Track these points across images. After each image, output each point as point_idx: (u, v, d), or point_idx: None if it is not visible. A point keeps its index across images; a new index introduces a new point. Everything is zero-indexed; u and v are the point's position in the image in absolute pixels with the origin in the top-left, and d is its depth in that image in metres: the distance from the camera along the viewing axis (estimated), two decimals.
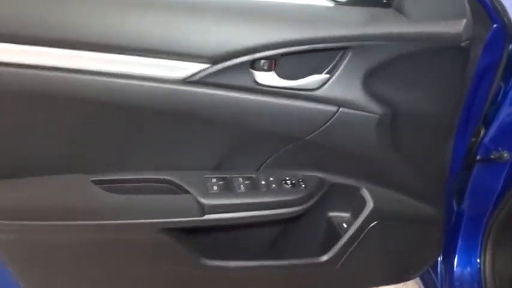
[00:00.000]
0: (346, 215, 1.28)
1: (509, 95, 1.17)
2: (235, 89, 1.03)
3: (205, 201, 1.06)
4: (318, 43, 1.01)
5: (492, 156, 1.26)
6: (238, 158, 1.15)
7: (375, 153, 1.14)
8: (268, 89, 1.04)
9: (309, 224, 1.24)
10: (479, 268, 1.39)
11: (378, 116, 1.08)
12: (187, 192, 1.07)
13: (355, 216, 1.21)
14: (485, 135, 1.25)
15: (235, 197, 1.09)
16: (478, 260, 1.40)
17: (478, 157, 1.29)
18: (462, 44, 1.05)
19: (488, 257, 1.40)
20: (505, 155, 1.24)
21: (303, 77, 1.02)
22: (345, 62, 1.03)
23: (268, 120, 1.08)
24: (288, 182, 1.15)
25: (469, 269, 1.42)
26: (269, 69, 1.00)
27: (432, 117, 1.13)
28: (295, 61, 1.00)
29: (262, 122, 1.08)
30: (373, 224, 1.20)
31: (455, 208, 1.41)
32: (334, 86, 1.06)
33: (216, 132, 1.09)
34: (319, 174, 1.16)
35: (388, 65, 1.04)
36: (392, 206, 1.23)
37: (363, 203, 1.18)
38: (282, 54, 0.98)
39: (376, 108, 1.06)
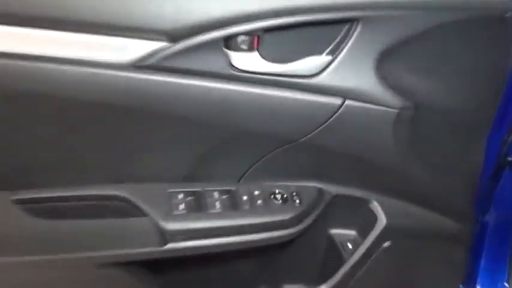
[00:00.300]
0: (352, 232, 1.04)
1: None
2: (204, 76, 0.76)
3: (167, 225, 0.81)
4: (316, 13, 0.74)
5: None
6: (212, 166, 0.89)
7: (389, 158, 0.89)
8: (249, 75, 0.79)
9: (305, 243, 0.99)
10: None
11: (395, 111, 0.82)
12: (143, 213, 0.80)
13: (363, 234, 1.00)
14: None
15: (208, 219, 0.85)
16: (507, 285, 1.14)
17: (509, 158, 1.03)
18: (507, 15, 0.78)
19: None
20: None
21: (296, 59, 0.79)
22: (353, 39, 0.78)
23: (250, 117, 0.82)
24: (278, 196, 0.90)
25: None
26: (250, 49, 0.77)
27: (465, 113, 0.87)
28: (286, 38, 0.79)
29: (242, 119, 0.82)
30: (385, 245, 0.99)
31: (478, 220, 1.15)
32: (338, 72, 0.80)
33: (182, 133, 0.83)
34: (319, 185, 0.94)
35: (411, 43, 0.79)
36: (409, 222, 0.99)
37: (373, 218, 0.97)
38: (267, 29, 0.75)
39: (393, 100, 0.82)
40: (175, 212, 0.83)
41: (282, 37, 0.78)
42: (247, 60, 0.77)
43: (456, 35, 0.80)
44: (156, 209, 0.82)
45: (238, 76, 0.78)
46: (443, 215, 1.00)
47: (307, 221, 0.91)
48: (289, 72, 0.79)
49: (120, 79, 0.74)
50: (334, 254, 1.01)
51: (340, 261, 0.99)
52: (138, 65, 0.74)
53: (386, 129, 0.84)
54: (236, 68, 0.77)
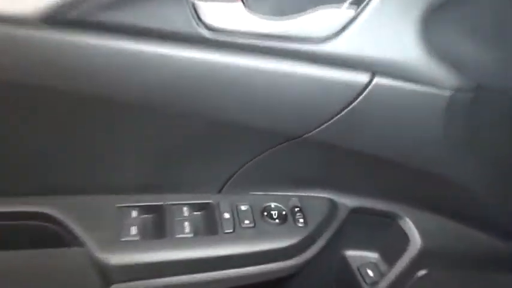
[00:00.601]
0: (373, 255, 0.79)
1: None
2: (158, 38, 0.50)
3: (111, 258, 0.56)
4: None
5: None
6: (181, 171, 0.63)
7: (433, 159, 0.65)
8: (227, 38, 0.53)
9: (311, 270, 0.73)
10: None
11: (448, 94, 0.57)
12: (77, 240, 0.55)
13: (389, 259, 0.76)
14: None
15: (173, 248, 0.59)
16: None
17: None
18: None
19: None
20: None
21: (302, 14, 0.55)
22: None
23: (231, 103, 0.57)
24: (274, 212, 0.65)
25: None
26: None
27: None
28: None
29: (220, 105, 0.56)
30: (419, 274, 0.74)
31: None
32: (364, 34, 0.55)
33: (136, 125, 0.57)
34: (330, 195, 0.70)
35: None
36: (453, 244, 0.75)
37: (404, 239, 0.73)
38: None
39: (445, 78, 0.57)
40: (125, 238, 0.57)
41: None
42: (225, 14, 0.51)
43: None
44: (96, 234, 0.57)
45: (211, 39, 0.51)
46: (498, 235, 0.74)
47: (315, 248, 0.65)
48: (290, 34, 0.54)
49: (27, 39, 0.48)
50: (350, 283, 0.78)
51: None
52: (53, 19, 0.47)
53: (433, 119, 0.59)
54: (207, 25, 0.50)
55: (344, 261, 0.79)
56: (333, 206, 0.69)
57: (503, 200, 0.72)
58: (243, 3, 0.51)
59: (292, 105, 0.58)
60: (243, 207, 0.64)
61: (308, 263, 0.66)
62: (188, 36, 0.51)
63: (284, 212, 0.65)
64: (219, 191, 0.66)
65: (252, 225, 0.62)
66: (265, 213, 0.64)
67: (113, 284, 0.56)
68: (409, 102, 0.57)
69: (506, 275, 0.79)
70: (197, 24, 0.51)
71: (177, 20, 0.50)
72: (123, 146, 0.60)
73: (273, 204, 0.66)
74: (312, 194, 0.69)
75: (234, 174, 0.65)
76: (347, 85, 0.56)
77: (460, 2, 0.56)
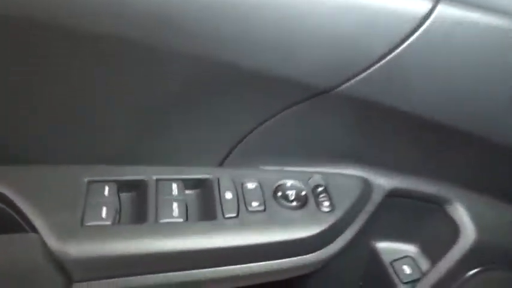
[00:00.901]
0: (412, 249, 0.64)
1: None
2: None
3: (71, 249, 0.41)
4: None
5: None
6: (170, 133, 0.48)
7: (508, 124, 0.49)
8: None
9: (336, 264, 0.58)
10: None
11: None
12: (28, 224, 0.41)
13: (433, 255, 0.61)
14: None
15: (156, 236, 0.44)
16: None
17: None
18: None
19: None
20: None
21: None
22: None
23: (241, 40, 0.43)
24: (291, 193, 0.49)
25: None
26: None
27: None
28: None
29: (227, 42, 0.42)
30: (470, 274, 0.59)
31: None
32: None
33: (113, 66, 0.44)
34: (363, 173, 0.55)
35: None
36: None
37: (453, 230, 0.58)
38: None
39: None
40: (91, 222, 0.43)
41: None
42: None
43: None
44: (53, 217, 0.42)
45: None
46: None
47: (342, 240, 0.50)
48: None
49: None
50: (380, 281, 0.63)
51: None
52: None
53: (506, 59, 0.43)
54: None
55: (374, 254, 0.64)
56: (366, 186, 0.54)
57: None
58: None
59: (321, 45, 0.42)
60: (250, 185, 0.49)
61: (332, 258, 0.51)
62: None
63: (304, 193, 0.50)
64: (220, 164, 0.51)
65: (261, 208, 0.48)
66: (279, 194, 0.49)
67: (73, 282, 0.42)
68: (476, 39, 0.41)
69: None
70: None
71: None
72: (95, 98, 0.45)
73: (289, 182, 0.51)
74: (340, 171, 0.54)
75: (240, 141, 0.50)
76: (399, 17, 0.40)
77: None
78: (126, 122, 0.47)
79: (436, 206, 0.58)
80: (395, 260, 0.64)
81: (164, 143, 0.50)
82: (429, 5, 0.39)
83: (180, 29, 0.41)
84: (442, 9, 0.40)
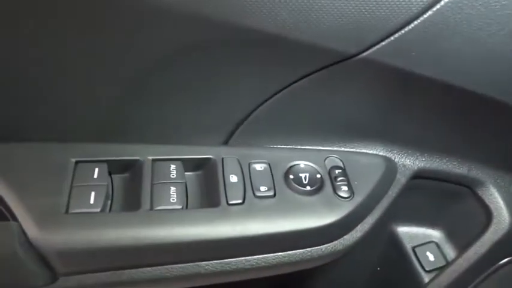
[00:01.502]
0: (436, 234, 0.60)
1: None
2: None
3: (54, 240, 0.36)
4: None
5: None
6: (168, 107, 0.42)
7: None
8: None
9: (355, 251, 0.52)
10: None
11: None
12: (11, 213, 0.36)
13: (460, 241, 0.56)
14: None
15: (151, 224, 0.39)
16: None
17: None
18: None
19: None
20: None
21: None
22: None
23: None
24: (305, 176, 0.44)
25: None
26: None
27: None
28: None
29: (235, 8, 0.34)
30: (502, 263, 0.54)
31: None
32: None
33: (103, 29, 0.38)
34: (386, 152, 0.50)
35: None
36: None
37: (485, 215, 0.53)
38: None
39: None
40: (77, 209, 0.38)
41: None
42: None
43: None
44: (35, 203, 0.37)
45: None
46: None
47: (362, 228, 0.45)
48: None
49: None
50: (401, 268, 0.58)
51: (413, 282, 0.57)
52: None
53: None
54: None
55: (395, 239, 0.59)
56: (391, 167, 0.48)
57: None
58: None
59: (344, 11, 0.36)
60: (258, 167, 0.43)
61: (355, 245, 0.45)
62: None
63: (319, 175, 0.44)
64: (225, 142, 0.46)
65: (270, 193, 0.42)
66: (291, 176, 0.43)
67: (59, 277, 0.37)
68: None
69: None
70: None
71: None
72: (84, 65, 0.39)
73: (302, 164, 0.45)
74: (361, 150, 0.48)
75: (247, 116, 0.44)
76: None
77: None
78: (117, 93, 0.41)
79: (466, 189, 0.52)
80: (417, 246, 0.59)
81: (161, 119, 0.44)
82: None
83: None
84: None
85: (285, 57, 0.39)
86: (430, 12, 0.36)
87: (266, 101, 0.43)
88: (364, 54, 0.38)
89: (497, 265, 0.54)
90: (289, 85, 0.42)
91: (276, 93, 0.42)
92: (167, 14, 0.36)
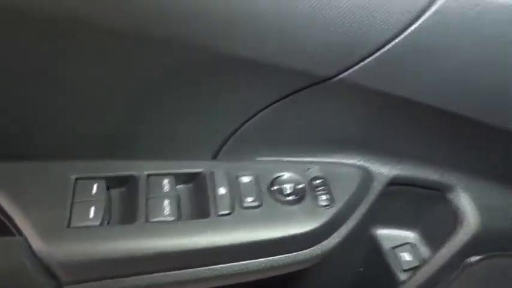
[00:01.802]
0: (412, 236, 0.63)
1: None
2: None
3: (58, 252, 0.40)
4: None
5: None
6: (161, 125, 0.46)
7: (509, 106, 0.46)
8: None
9: (336, 254, 0.56)
10: None
11: None
12: (13, 225, 0.39)
13: (434, 241, 0.60)
14: None
15: (147, 235, 0.42)
16: None
17: None
18: None
19: None
20: None
21: None
22: None
23: (235, 26, 0.40)
24: (288, 186, 0.48)
25: None
26: None
27: None
28: None
29: (219, 29, 0.40)
30: (472, 261, 0.58)
31: None
32: None
33: (100, 54, 0.42)
34: (364, 162, 0.53)
35: None
36: None
37: (456, 217, 0.57)
38: None
39: None
40: (79, 223, 0.41)
41: None
42: None
43: None
44: (38, 217, 0.40)
45: None
46: None
47: (341, 233, 0.49)
48: None
49: None
50: (380, 268, 0.62)
51: (391, 282, 0.61)
52: None
53: None
54: None
55: (374, 241, 0.63)
56: (368, 175, 0.52)
57: None
58: None
59: (321, 33, 0.40)
60: (245, 179, 0.47)
61: (334, 249, 0.49)
62: None
63: (301, 185, 0.48)
64: (214, 156, 0.49)
65: (256, 204, 0.46)
66: (276, 187, 0.47)
67: (63, 285, 0.41)
68: (488, 25, 0.38)
69: None
70: None
71: None
72: (81, 88, 0.42)
73: (286, 175, 0.48)
74: (340, 160, 0.52)
75: (234, 132, 0.48)
76: (402, 3, 0.37)
77: None
78: (114, 113, 0.45)
79: (438, 193, 0.57)
80: (395, 247, 0.63)
81: (154, 136, 0.47)
82: None
83: (171, 16, 0.38)
84: None
85: (267, 79, 0.43)
86: (406, 34, 0.40)
87: (251, 118, 0.47)
88: (341, 76, 0.42)
89: (468, 263, 0.58)
90: (272, 104, 0.45)
91: (260, 111, 0.46)
92: (154, 41, 0.40)
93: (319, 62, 0.42)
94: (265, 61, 0.41)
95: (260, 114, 0.47)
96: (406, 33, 0.40)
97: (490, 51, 0.41)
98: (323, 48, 0.41)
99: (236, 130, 0.48)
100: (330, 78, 0.42)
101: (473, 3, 0.38)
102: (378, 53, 0.41)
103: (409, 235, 0.62)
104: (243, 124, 0.48)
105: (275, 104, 0.46)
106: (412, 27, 0.40)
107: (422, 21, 0.39)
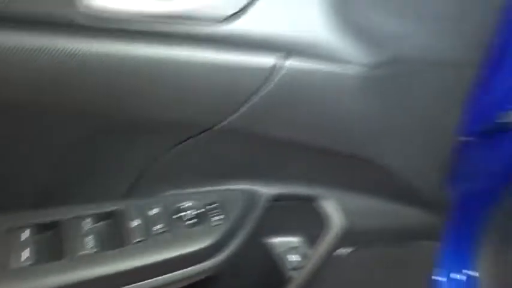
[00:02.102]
0: (297, 240, 0.76)
1: None
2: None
3: None
4: None
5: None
6: (78, 176, 0.56)
7: (351, 138, 0.61)
8: (113, 25, 0.46)
9: (236, 262, 0.68)
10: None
11: (363, 70, 0.53)
12: None
13: (312, 242, 0.73)
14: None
15: (74, 267, 0.51)
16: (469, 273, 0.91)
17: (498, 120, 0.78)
18: None
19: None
20: None
21: None
22: None
23: (131, 95, 0.51)
24: (190, 212, 0.59)
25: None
26: None
27: (447, 66, 0.60)
28: None
29: (118, 98, 0.51)
30: (342, 253, 0.73)
31: None
32: (268, 11, 0.50)
33: (20, 125, 0.51)
34: (249, 186, 0.66)
35: None
36: (377, 221, 0.74)
37: (326, 221, 0.71)
38: None
39: (360, 54, 0.53)
40: (15, 265, 0.49)
41: None
42: None
43: None
44: None
45: (94, 26, 0.44)
46: (421, 208, 0.74)
47: (235, 244, 0.61)
48: (185, 15, 0.48)
49: None
50: (273, 270, 0.75)
51: (283, 280, 0.74)
52: None
53: (348, 98, 0.55)
54: (90, 10, 0.42)
55: (267, 249, 0.75)
56: (252, 196, 0.64)
57: (425, 174, 0.72)
58: None
59: (197, 94, 0.51)
60: (153, 211, 0.57)
61: (229, 259, 0.61)
62: (68, 22, 0.43)
63: (200, 210, 0.59)
64: (126, 196, 0.59)
65: (165, 229, 0.56)
66: (180, 214, 0.58)
67: None
68: (323, 83, 0.52)
69: (430, 243, 0.80)
70: (79, 9, 0.43)
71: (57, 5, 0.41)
72: (7, 154, 0.51)
73: (187, 204, 0.59)
74: (230, 187, 0.64)
75: (141, 175, 0.58)
76: (254, 69, 0.50)
77: None
78: (39, 170, 0.53)
79: (312, 204, 0.71)
80: (284, 251, 0.76)
81: (74, 185, 0.56)
82: (275, 59, 0.50)
83: (75, 91, 0.48)
84: (287, 61, 0.50)
85: (161, 131, 0.54)
86: (264, 88, 0.53)
87: (153, 162, 0.58)
88: (222, 124, 0.54)
89: (337, 256, 0.73)
90: (169, 150, 0.57)
91: (159, 157, 0.57)
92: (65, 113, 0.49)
93: (203, 114, 0.54)
94: (161, 118, 0.52)
95: (164, 156, 0.57)
96: (258, 93, 0.52)
97: (319, 106, 0.55)
98: (205, 103, 0.53)
99: (144, 172, 0.58)
100: (214, 127, 0.55)
101: (303, 71, 0.52)
102: (242, 109, 0.53)
103: (294, 240, 0.76)
104: (147, 167, 0.58)
105: (175, 148, 0.57)
106: (261, 91, 0.52)
107: (267, 87, 0.52)
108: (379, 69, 0.53)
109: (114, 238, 0.55)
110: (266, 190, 0.66)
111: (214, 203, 0.61)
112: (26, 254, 0.50)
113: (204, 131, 0.54)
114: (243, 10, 0.47)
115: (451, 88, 0.64)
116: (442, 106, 0.65)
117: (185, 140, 0.55)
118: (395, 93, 0.57)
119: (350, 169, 0.66)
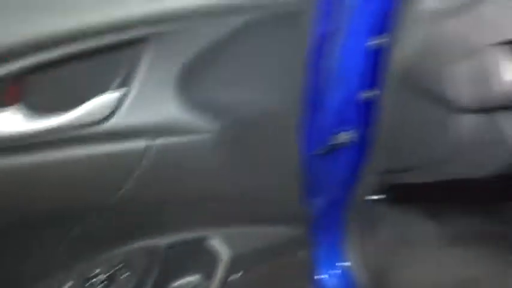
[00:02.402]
0: (196, 278, 0.89)
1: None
2: None
3: None
4: (90, 38, 0.57)
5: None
6: None
7: (218, 186, 0.77)
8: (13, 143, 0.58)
9: None
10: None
11: (212, 135, 0.70)
12: None
13: (208, 276, 0.87)
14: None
15: None
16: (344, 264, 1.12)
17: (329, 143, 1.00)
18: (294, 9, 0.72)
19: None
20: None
21: (77, 105, 0.61)
22: (145, 63, 0.62)
23: (32, 194, 0.62)
24: (101, 277, 0.70)
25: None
26: (7, 104, 0.56)
27: (276, 113, 0.78)
28: (59, 79, 0.60)
29: (21, 198, 0.62)
30: (235, 278, 0.88)
31: None
32: (134, 107, 0.64)
33: None
34: (148, 241, 0.78)
35: (212, 53, 0.66)
36: (256, 245, 0.89)
37: (217, 255, 0.85)
38: (34, 69, 0.56)
39: (208, 123, 0.69)
40: None
41: (53, 79, 0.59)
42: (5, 120, 0.56)
43: (252, 38, 0.70)
44: None
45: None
46: (285, 223, 0.91)
47: None
48: (71, 124, 0.60)
49: None
50: None
51: None
52: None
53: (207, 159, 0.71)
54: None
55: None
56: (152, 249, 0.76)
57: (284, 198, 0.90)
58: (24, 106, 0.57)
59: (86, 182, 0.64)
60: (67, 286, 0.68)
61: None
62: None
63: (109, 273, 0.71)
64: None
65: None
66: (93, 281, 0.69)
67: None
68: (185, 152, 0.67)
69: (306, 251, 0.97)
70: None
71: None
72: None
73: (97, 270, 0.71)
74: (133, 246, 0.75)
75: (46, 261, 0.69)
76: (130, 151, 0.64)
77: (206, 61, 0.67)
78: None
79: (204, 244, 0.83)
80: None
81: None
82: (144, 142, 0.64)
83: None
84: (155, 142, 0.65)
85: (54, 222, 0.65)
86: (140, 168, 0.66)
87: (59, 244, 0.69)
88: (112, 199, 0.66)
89: (231, 281, 0.86)
90: (69, 232, 0.68)
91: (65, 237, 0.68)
92: None
93: (94, 194, 0.66)
94: (53, 207, 0.64)
95: (66, 239, 0.69)
96: (136, 173, 0.66)
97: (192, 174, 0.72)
98: (93, 186, 0.65)
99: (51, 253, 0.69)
100: (105, 202, 0.67)
101: (167, 147, 0.66)
102: (132, 177, 0.66)
103: (194, 278, 0.89)
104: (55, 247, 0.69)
105: (73, 229, 0.68)
106: (138, 171, 0.66)
107: (142, 167, 0.66)
108: (225, 132, 0.70)
109: None
110: (163, 241, 0.78)
111: (121, 263, 0.72)
112: None
113: (97, 210, 0.67)
114: (113, 112, 0.61)
115: (284, 130, 0.83)
116: (281, 146, 0.84)
117: (82, 220, 0.67)
118: (241, 147, 0.75)
119: (226, 210, 0.82)
